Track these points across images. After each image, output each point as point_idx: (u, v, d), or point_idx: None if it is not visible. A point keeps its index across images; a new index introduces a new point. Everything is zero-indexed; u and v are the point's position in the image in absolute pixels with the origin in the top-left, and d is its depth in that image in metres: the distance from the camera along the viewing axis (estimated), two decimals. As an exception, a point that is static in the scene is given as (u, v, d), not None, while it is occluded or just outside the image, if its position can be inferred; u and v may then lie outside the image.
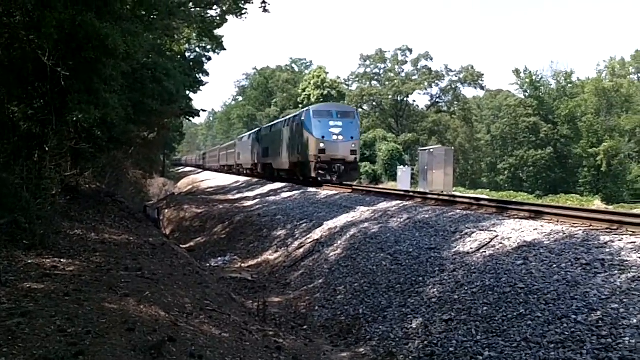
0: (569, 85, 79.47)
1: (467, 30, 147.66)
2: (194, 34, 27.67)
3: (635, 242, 7.59)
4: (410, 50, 77.57)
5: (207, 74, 35.46)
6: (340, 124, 24.00)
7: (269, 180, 32.07)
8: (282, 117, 44.19)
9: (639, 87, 78.88)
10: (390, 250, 10.61)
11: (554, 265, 7.44)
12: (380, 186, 35.33)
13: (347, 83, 79.23)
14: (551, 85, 79.97)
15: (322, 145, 23.61)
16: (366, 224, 13.00)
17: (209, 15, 24.33)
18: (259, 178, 36.24)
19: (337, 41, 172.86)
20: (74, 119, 9.69)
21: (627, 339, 5.43)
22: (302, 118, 25.43)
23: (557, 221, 10.36)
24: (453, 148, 37.23)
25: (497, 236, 9.45)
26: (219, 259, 14.97)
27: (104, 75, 10.15)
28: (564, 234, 8.77)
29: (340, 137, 23.85)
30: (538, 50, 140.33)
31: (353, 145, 24.14)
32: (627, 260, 6.93)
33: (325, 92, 65.66)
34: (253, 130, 46.95)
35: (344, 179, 23.84)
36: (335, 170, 23.49)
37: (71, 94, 9.35)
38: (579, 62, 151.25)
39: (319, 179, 23.75)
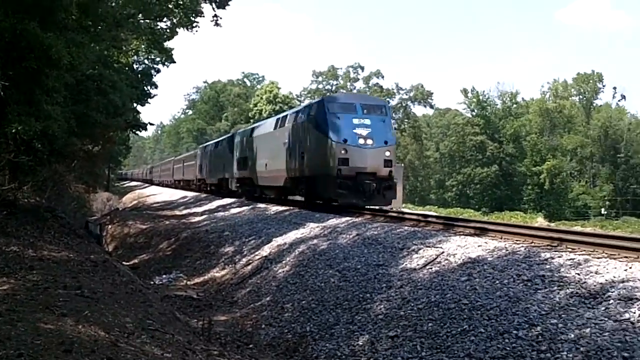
0: (514, 106, 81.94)
1: (417, 50, 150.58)
2: (143, 46, 27.33)
3: (574, 259, 7.78)
4: (362, 68, 78.87)
5: (156, 87, 35.04)
6: (368, 122, 17.27)
7: (218, 195, 31.62)
8: (252, 118, 40.33)
9: (580, 108, 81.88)
10: (338, 267, 10.58)
11: (497, 282, 7.55)
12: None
13: (299, 99, 79.60)
14: (497, 105, 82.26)
15: (343, 152, 16.73)
16: (315, 241, 12.95)
17: (158, 27, 24.07)
18: (208, 194, 35.62)
19: (290, 57, 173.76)
20: (13, 130, 9.38)
21: (565, 353, 5.53)
22: (312, 113, 18.62)
23: (501, 238, 10.55)
24: (403, 165, 37.62)
25: (443, 252, 9.54)
26: (164, 276, 14.65)
27: (46, 87, 9.90)
28: (507, 250, 8.92)
29: (370, 142, 16.97)
30: (485, 71, 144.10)
31: (387, 153, 17.21)
32: (566, 277, 7.08)
33: (277, 108, 65.68)
34: (224, 136, 40.14)
35: (375, 201, 17.13)
36: (363, 189, 16.59)
37: (10, 105, 9.07)
38: (524, 83, 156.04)
39: (339, 201, 17.15)
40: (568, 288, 6.75)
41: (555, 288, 6.85)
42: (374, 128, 17.16)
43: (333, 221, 14.84)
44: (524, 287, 7.17)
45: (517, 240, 10.04)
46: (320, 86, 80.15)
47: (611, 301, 6.13)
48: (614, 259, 7.92)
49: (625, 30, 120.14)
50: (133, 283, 10.32)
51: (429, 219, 14.23)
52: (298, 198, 21.67)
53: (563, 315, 6.14)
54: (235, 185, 29.65)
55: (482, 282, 7.73)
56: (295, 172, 19.76)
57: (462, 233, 11.45)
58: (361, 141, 16.90)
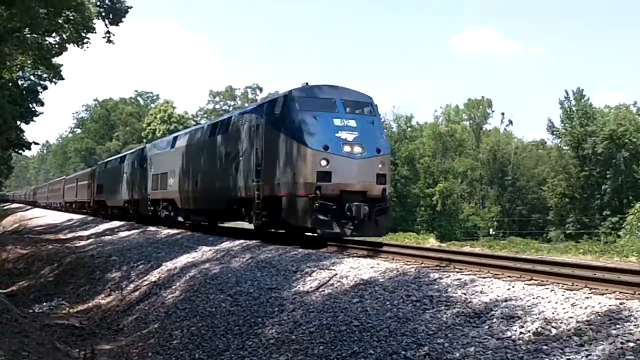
0: (409, 129, 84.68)
1: (315, 72, 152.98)
2: (29, 61, 26.04)
3: (461, 279, 7.99)
4: (261, 89, 79.15)
5: (42, 104, 33.23)
6: (353, 123, 13.30)
7: (106, 218, 30.26)
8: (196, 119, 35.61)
9: (471, 132, 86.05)
10: (230, 292, 10.37)
11: (387, 303, 7.60)
12: (227, 224, 30.02)
13: (195, 119, 78.49)
14: (393, 128, 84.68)
15: (324, 163, 12.69)
16: (207, 265, 12.67)
17: (46, 42, 23.07)
18: (95, 216, 33.98)
19: (186, 76, 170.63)
20: None
21: (451, 373, 5.60)
22: (276, 112, 14.06)
23: (393, 259, 10.73)
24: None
25: (336, 275, 9.53)
26: (45, 304, 13.88)
27: None
28: (398, 271, 9.03)
29: (358, 149, 12.99)
30: (383, 95, 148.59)
31: (380, 166, 13.35)
32: (453, 296, 7.24)
33: (172, 127, 64.38)
34: (133, 150, 34.30)
35: (366, 231, 13.14)
36: (352, 214, 12.58)
37: None
38: (420, 108, 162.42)
39: (319, 231, 12.84)
40: (454, 308, 6.88)
41: (443, 308, 6.97)
42: (361, 131, 13.24)
43: (226, 244, 14.59)
44: (413, 307, 7.24)
45: (408, 261, 10.25)
46: (218, 106, 79.69)
47: (494, 320, 6.29)
48: (498, 278, 8.23)
49: (514, 59, 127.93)
50: (8, 312, 9.73)
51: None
52: (247, 225, 17.20)
53: (449, 335, 6.23)
54: (149, 208, 24.30)
55: (373, 303, 7.75)
56: (246, 191, 15.12)
57: (355, 255, 11.53)
58: (347, 149, 12.87)
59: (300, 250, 12.43)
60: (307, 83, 14.38)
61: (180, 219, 21.38)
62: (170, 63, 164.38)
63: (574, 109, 61.27)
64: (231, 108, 78.74)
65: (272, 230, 15.23)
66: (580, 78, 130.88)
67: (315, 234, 13.26)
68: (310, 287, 9.29)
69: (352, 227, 12.64)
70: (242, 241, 14.68)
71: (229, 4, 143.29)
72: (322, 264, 10.52)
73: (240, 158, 15.64)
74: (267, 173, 14.10)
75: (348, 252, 12.05)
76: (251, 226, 15.62)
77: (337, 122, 13.13)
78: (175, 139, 23.06)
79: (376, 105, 14.49)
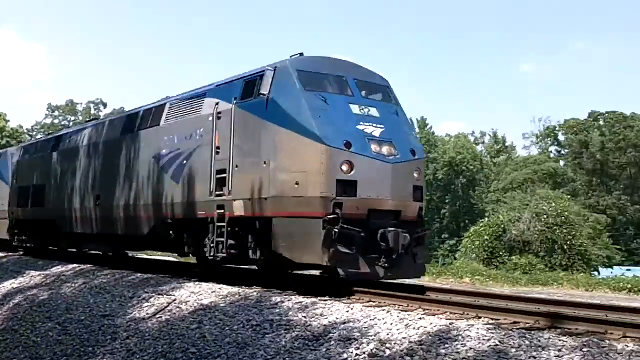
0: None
1: (161, 88, 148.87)
2: None
3: (302, 302, 8.00)
4: (105, 105, 75.68)
5: None
6: (375, 112, 9.57)
7: None
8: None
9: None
10: (59, 320, 9.77)
11: (227, 328, 7.42)
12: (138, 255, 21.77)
13: (30, 134, 73.21)
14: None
15: (345, 168, 8.72)
16: (35, 291, 11.85)
17: None
18: None
19: (23, 88, 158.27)
20: None
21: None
22: (262, 91, 9.58)
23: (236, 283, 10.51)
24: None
25: (175, 300, 9.25)
26: None
27: None
28: (240, 296, 8.91)
29: (389, 150, 9.16)
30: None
31: (417, 175, 9.63)
32: (293, 320, 7.20)
33: (4, 142, 59.49)
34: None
35: (404, 269, 9.25)
36: (387, 245, 8.75)
37: None
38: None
39: (340, 271, 8.57)
40: (294, 331, 6.84)
41: (283, 332, 6.91)
42: (388, 125, 9.46)
43: (58, 269, 13.76)
44: (253, 332, 7.12)
45: (249, 285, 10.09)
46: (57, 121, 75.13)
47: (332, 342, 6.31)
48: (339, 301, 8.30)
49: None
50: None
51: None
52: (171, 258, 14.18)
53: (287, 359, 6.16)
54: (12, 231, 19.23)
55: (212, 329, 7.54)
56: (197, 209, 10.78)
57: (197, 279, 11.18)
58: (375, 148, 9.02)
59: (138, 275, 11.96)
60: (302, 54, 10.28)
61: (61, 246, 17.08)
62: (4, 74, 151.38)
63: (417, 136, 65.15)
64: (71, 123, 74.43)
65: (248, 266, 11.40)
66: (425, 107, 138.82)
67: (326, 274, 9.47)
68: (147, 314, 8.91)
69: (386, 265, 8.84)
70: (75, 265, 13.90)
71: (70, 15, 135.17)
72: (161, 289, 10.21)
73: (184, 162, 11.24)
74: (240, 182, 9.85)
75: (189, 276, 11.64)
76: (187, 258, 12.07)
77: (355, 109, 9.37)
78: (59, 138, 17.76)
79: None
